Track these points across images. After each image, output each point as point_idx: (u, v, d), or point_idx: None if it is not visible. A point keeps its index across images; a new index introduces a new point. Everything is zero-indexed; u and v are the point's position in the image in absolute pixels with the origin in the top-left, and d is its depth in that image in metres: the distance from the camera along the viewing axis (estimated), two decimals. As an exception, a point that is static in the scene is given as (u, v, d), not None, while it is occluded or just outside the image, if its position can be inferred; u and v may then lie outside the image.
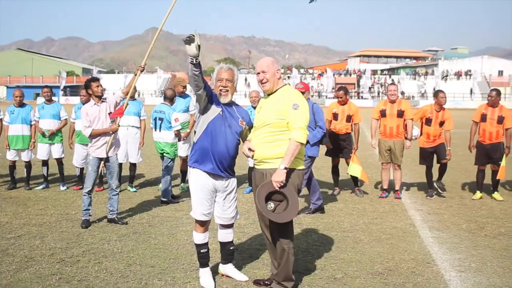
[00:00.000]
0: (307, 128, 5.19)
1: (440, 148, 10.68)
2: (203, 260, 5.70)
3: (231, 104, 5.62)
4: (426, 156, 10.83)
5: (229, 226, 5.80)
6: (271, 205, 5.14)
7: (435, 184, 10.77)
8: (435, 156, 10.82)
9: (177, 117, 9.75)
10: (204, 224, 5.61)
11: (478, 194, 10.59)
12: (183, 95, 10.74)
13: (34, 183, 11.48)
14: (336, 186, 11.04)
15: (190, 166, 5.60)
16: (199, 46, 5.00)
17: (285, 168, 5.03)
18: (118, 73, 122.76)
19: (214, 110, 5.48)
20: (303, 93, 8.19)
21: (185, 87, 10.66)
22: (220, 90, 5.50)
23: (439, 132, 10.64)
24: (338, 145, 10.79)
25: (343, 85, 12.14)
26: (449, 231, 8.04)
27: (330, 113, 10.83)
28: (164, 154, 9.92)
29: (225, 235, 5.82)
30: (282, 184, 5.06)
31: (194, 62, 5.10)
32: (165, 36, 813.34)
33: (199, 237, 5.64)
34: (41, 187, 11.12)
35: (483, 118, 10.58)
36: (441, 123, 10.59)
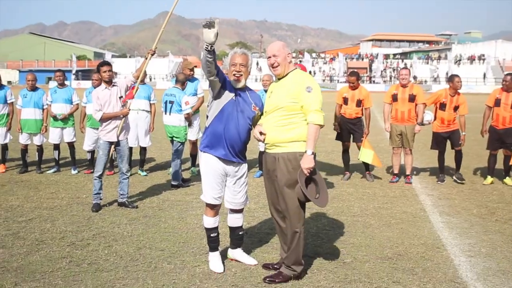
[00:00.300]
0: None
1: (454, 134, 10.57)
2: (213, 244, 5.71)
3: (244, 89, 5.59)
4: (439, 141, 10.73)
5: (239, 211, 5.80)
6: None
7: (454, 176, 10.66)
8: (448, 142, 10.73)
9: (188, 101, 9.74)
10: (214, 208, 5.62)
11: (489, 179, 10.52)
12: (191, 78, 10.70)
13: (45, 167, 11.54)
14: (347, 171, 11.01)
15: (201, 151, 5.59)
16: (217, 34, 4.97)
17: (312, 153, 5.03)
18: (130, 57, 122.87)
19: (227, 95, 5.46)
20: None
21: (192, 69, 10.62)
22: (234, 74, 5.47)
23: (453, 117, 10.52)
24: (348, 130, 10.74)
25: (355, 70, 12.05)
26: (459, 216, 8.00)
27: (340, 98, 10.77)
28: (174, 138, 9.91)
29: (235, 220, 5.83)
30: (312, 170, 5.06)
31: (209, 49, 5.06)
32: (177, 20, 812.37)
33: (210, 221, 5.64)
34: (52, 170, 11.18)
35: (497, 103, 10.45)
36: (456, 108, 10.46)
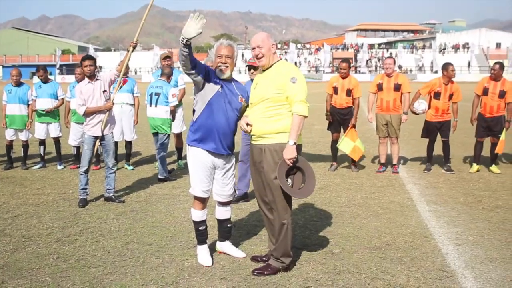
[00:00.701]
0: None
1: (445, 125, 10.58)
2: (201, 237, 5.69)
3: (230, 80, 5.57)
4: (430, 130, 10.72)
5: (227, 203, 5.79)
6: (289, 181, 5.15)
7: (443, 168, 10.68)
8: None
9: (175, 93, 9.69)
10: (203, 201, 5.60)
11: (475, 166, 10.57)
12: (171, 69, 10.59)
13: (31, 162, 11.44)
14: (334, 161, 11.01)
15: (189, 145, 5.56)
16: (199, 33, 4.96)
17: (294, 144, 5.02)
18: (114, 50, 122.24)
19: (213, 88, 5.43)
20: (256, 68, 7.55)
21: (165, 59, 10.48)
22: (219, 66, 5.45)
23: (448, 106, 10.52)
24: (339, 121, 10.72)
25: (348, 58, 12.01)
26: (446, 204, 8.04)
27: (331, 87, 10.74)
28: (159, 131, 9.83)
29: (223, 213, 5.82)
30: (294, 160, 5.05)
31: (185, 43, 5.03)
32: (162, 12, 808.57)
33: (198, 214, 5.62)
34: (38, 166, 11.09)
35: (485, 91, 10.47)
36: (450, 96, 10.49)
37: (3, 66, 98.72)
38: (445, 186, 9.31)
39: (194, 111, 5.54)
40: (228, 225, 5.89)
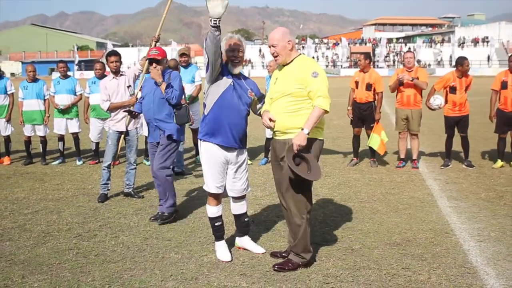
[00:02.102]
0: None
1: (463, 120, 10.40)
2: (218, 233, 5.68)
3: (239, 75, 5.58)
4: (448, 124, 10.57)
5: (242, 197, 5.77)
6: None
7: (463, 164, 10.54)
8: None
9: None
10: (217, 197, 5.60)
11: (499, 162, 10.39)
12: (188, 65, 10.60)
13: (50, 158, 11.52)
14: (356, 157, 10.92)
15: (200, 139, 5.54)
16: (226, 5, 4.99)
17: (308, 133, 4.99)
18: (132, 46, 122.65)
19: (226, 81, 5.43)
20: (159, 60, 6.97)
21: (183, 55, 10.46)
22: (233, 60, 5.44)
23: (465, 99, 10.36)
24: (359, 115, 10.63)
25: (368, 52, 11.89)
26: (467, 200, 7.95)
27: (353, 82, 10.65)
28: None
29: (239, 207, 5.80)
30: (302, 147, 5.00)
31: (217, 24, 5.03)
32: (179, 8, 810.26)
33: (213, 210, 5.62)
34: (57, 162, 11.15)
35: (504, 85, 10.29)
36: (466, 89, 10.35)
37: (23, 63, 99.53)
38: (466, 181, 9.20)
39: (204, 105, 5.53)
40: (246, 219, 5.87)
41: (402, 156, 10.62)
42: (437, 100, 10.28)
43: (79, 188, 8.83)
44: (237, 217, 5.86)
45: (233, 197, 5.76)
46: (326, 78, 5.14)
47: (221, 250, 5.63)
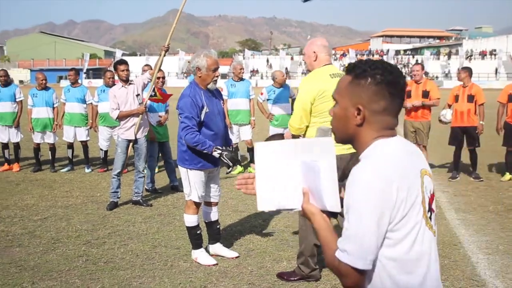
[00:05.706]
0: None
1: (469, 131, 10.31)
2: (198, 241, 5.84)
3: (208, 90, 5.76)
4: (454, 135, 10.53)
5: (216, 204, 6.01)
6: None
7: (471, 177, 10.48)
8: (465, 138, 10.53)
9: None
10: (198, 206, 5.80)
11: (508, 175, 10.33)
12: (241, 80, 10.86)
13: (59, 165, 11.57)
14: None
15: (188, 169, 5.65)
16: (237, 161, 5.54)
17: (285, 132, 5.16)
18: (140, 55, 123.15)
19: (203, 113, 5.54)
20: None
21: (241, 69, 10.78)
22: (215, 80, 5.63)
23: (468, 108, 10.25)
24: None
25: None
26: (475, 213, 7.94)
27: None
28: None
29: (213, 214, 5.99)
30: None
31: (221, 157, 5.45)
32: (186, 18, 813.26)
33: (193, 219, 5.79)
34: (66, 169, 11.21)
35: (511, 98, 10.31)
36: (470, 98, 10.23)
37: (31, 70, 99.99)
38: (474, 194, 9.19)
39: None
40: (218, 226, 6.06)
41: (410, 168, 10.56)
42: (448, 114, 10.22)
43: (88, 196, 8.87)
44: (210, 224, 6.02)
45: (209, 204, 5.94)
46: (300, 98, 5.12)
47: (205, 256, 5.80)
